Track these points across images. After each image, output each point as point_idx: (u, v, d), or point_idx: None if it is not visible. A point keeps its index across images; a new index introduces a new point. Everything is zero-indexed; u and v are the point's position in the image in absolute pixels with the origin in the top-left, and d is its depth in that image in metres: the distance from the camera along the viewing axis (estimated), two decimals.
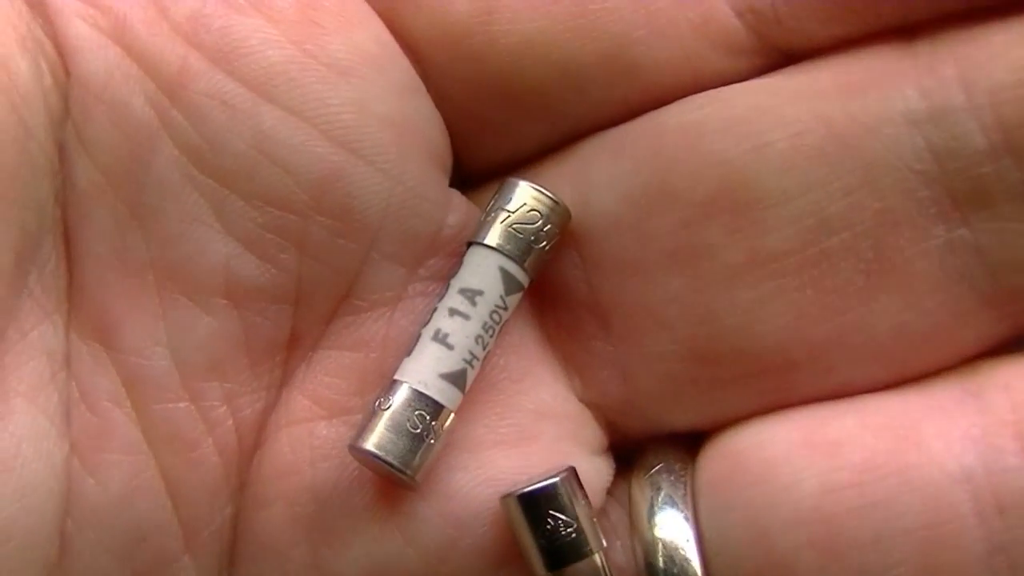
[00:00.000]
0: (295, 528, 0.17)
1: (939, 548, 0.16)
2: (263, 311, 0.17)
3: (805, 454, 0.17)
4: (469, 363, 0.17)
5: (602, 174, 0.18)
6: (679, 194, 0.17)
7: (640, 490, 0.18)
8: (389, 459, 0.16)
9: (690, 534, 0.17)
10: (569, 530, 0.16)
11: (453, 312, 0.17)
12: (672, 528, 0.17)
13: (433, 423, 0.17)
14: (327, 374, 0.17)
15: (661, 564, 0.17)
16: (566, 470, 0.17)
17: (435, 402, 0.17)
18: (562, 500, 0.16)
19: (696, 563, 0.17)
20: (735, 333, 0.17)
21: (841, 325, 0.17)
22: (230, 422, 0.17)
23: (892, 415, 0.17)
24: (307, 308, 0.17)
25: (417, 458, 0.16)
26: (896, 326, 0.17)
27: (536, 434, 0.17)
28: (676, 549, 0.17)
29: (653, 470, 0.18)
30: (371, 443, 0.16)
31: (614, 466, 0.18)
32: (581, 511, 0.16)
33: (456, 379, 0.17)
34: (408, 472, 0.16)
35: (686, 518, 0.17)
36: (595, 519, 0.17)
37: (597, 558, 0.17)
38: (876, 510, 0.16)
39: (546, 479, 0.16)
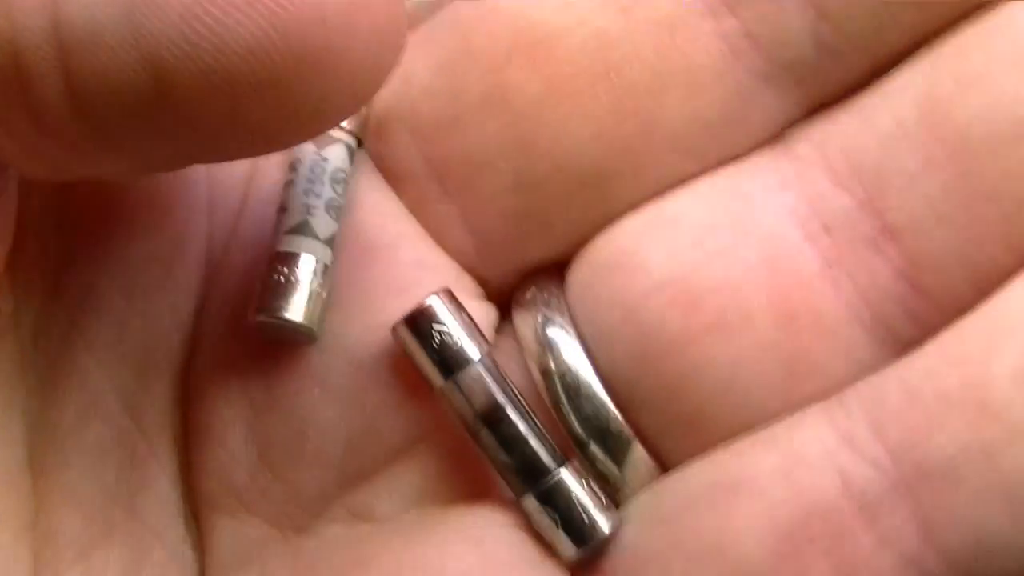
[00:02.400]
0: (234, 409, 0.19)
1: (782, 274, 0.18)
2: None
3: (650, 232, 0.19)
4: (307, 212, 0.18)
5: (416, 59, 0.19)
6: (480, 51, 0.19)
7: (522, 318, 0.19)
8: (279, 316, 0.18)
9: (575, 342, 0.19)
10: (454, 338, 0.18)
11: (286, 186, 0.19)
12: (558, 339, 0.19)
13: (299, 272, 0.18)
14: (242, 268, 0.19)
15: (555, 367, 0.19)
16: (439, 289, 0.18)
17: (290, 254, 0.18)
18: (441, 313, 0.18)
19: (586, 363, 0.19)
20: (550, 153, 0.19)
21: (639, 124, 0.18)
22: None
23: (714, 184, 0.19)
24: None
25: (294, 307, 0.18)
26: (689, 115, 0.18)
27: (420, 280, 0.19)
28: (567, 360, 0.19)
29: (528, 297, 0.20)
30: (258, 313, 0.18)
31: (497, 312, 0.20)
32: (461, 320, 0.18)
33: (300, 229, 0.18)
34: (298, 321, 0.18)
35: (568, 330, 0.19)
36: (476, 326, 0.18)
37: (485, 360, 0.18)
38: (721, 257, 0.18)
39: (423, 300, 0.18)
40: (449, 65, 0.19)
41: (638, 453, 0.19)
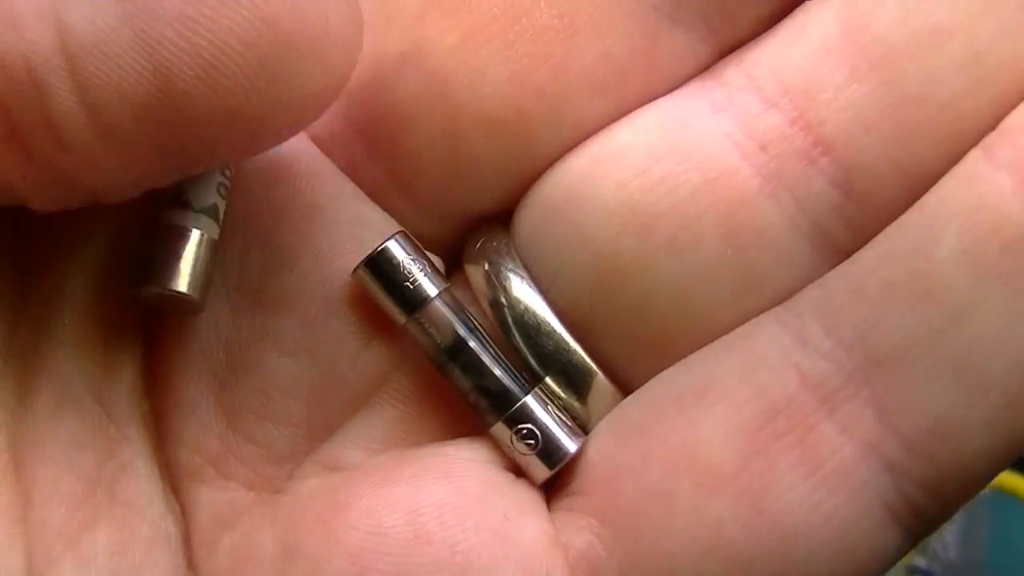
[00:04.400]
0: (199, 384, 0.19)
1: (725, 194, 0.19)
2: None
3: (596, 167, 0.19)
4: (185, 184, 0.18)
5: None
6: (395, 9, 0.19)
7: (472, 268, 0.20)
8: (166, 288, 0.18)
9: (527, 281, 0.19)
10: (412, 277, 0.19)
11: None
12: (509, 280, 0.19)
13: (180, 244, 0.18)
14: None
15: (506, 303, 0.19)
16: (397, 232, 0.19)
17: (173, 227, 0.18)
18: (400, 253, 0.19)
19: (539, 300, 0.19)
20: (470, 102, 0.19)
21: (552, 66, 0.19)
22: None
23: (651, 116, 0.19)
24: None
25: (174, 278, 0.18)
26: (601, 55, 0.19)
27: (362, 237, 0.19)
28: (519, 297, 0.19)
29: (476, 248, 0.20)
30: (137, 286, 0.18)
31: (442, 262, 0.20)
32: (420, 258, 0.19)
33: (179, 202, 0.19)
34: (181, 291, 0.18)
35: (519, 272, 0.20)
36: (434, 264, 0.19)
37: (445, 295, 0.19)
38: (666, 183, 0.19)
39: (383, 242, 0.19)
40: (366, 26, 0.19)
41: (600, 383, 0.19)
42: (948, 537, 0.39)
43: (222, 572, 0.19)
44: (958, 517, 0.39)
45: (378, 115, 0.19)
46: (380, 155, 0.20)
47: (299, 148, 0.20)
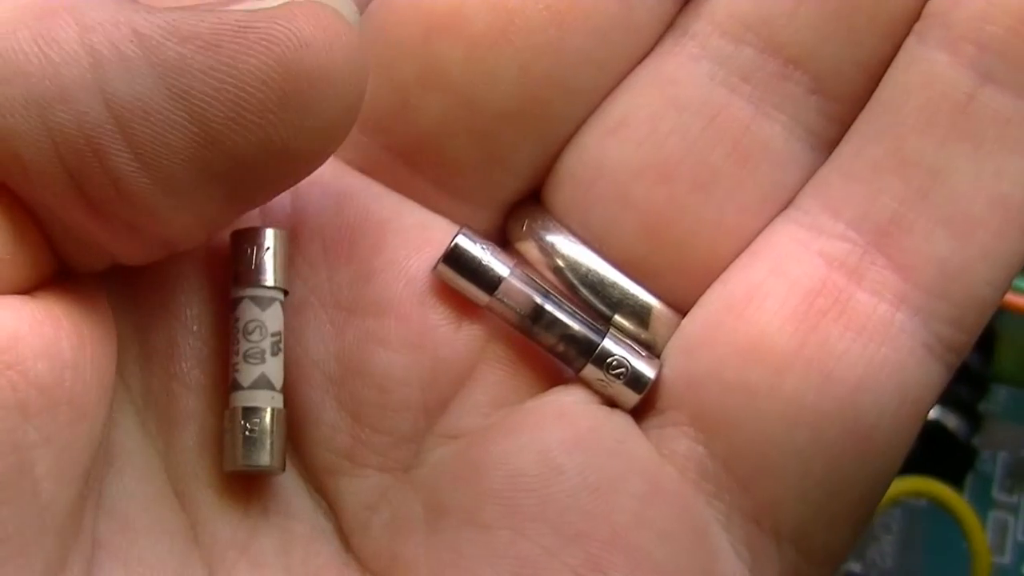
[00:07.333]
0: (320, 390, 0.22)
1: (724, 124, 0.21)
2: None
3: (613, 136, 0.22)
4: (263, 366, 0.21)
5: None
6: (400, 38, 0.22)
7: (524, 245, 0.23)
8: (254, 465, 0.21)
9: (575, 241, 0.22)
10: (485, 262, 0.22)
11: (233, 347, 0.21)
12: (560, 245, 0.22)
13: (265, 423, 0.21)
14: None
15: (563, 265, 0.22)
16: (461, 227, 0.22)
17: (254, 408, 0.21)
18: (470, 245, 0.22)
19: (588, 252, 0.22)
20: (490, 103, 0.21)
21: (553, 53, 0.21)
22: None
23: (647, 79, 0.22)
24: None
25: (265, 454, 0.21)
26: (589, 32, 0.21)
27: (429, 238, 0.22)
28: (572, 256, 0.22)
29: (524, 226, 0.23)
30: (235, 463, 0.21)
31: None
32: (487, 245, 0.22)
33: (258, 384, 0.21)
34: (267, 464, 0.21)
35: (566, 236, 0.22)
36: (499, 247, 0.22)
37: (516, 271, 0.22)
38: (675, 134, 0.21)
39: (453, 239, 0.22)
40: (378, 58, 0.22)
41: (660, 312, 0.23)
42: (885, 546, 0.40)
43: (380, 548, 0.22)
44: (896, 526, 0.40)
45: (412, 136, 0.22)
46: (422, 170, 0.22)
47: (354, 179, 0.23)
